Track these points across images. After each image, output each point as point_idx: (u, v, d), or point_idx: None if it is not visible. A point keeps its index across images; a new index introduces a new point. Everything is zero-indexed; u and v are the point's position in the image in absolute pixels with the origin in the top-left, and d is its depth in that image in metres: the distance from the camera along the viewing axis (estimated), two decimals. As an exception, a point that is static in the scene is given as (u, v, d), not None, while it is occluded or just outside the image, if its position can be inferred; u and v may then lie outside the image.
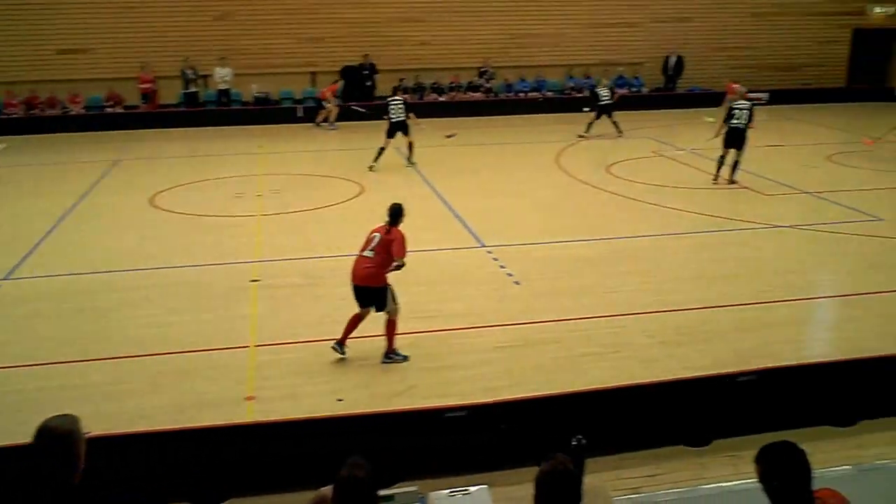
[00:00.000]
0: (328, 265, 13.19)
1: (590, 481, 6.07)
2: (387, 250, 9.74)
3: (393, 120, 20.91)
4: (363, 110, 26.94)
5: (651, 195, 17.57)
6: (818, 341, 10.83)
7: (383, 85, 28.56)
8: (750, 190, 18.19)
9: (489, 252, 13.91)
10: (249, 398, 9.05)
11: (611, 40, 31.09)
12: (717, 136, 19.05)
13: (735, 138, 18.56)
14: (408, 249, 9.79)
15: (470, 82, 30.16)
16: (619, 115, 25.27)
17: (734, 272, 12.93)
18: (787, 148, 22.70)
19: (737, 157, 18.63)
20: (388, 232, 9.86)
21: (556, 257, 13.65)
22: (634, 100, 29.95)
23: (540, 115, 29.02)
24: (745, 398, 8.59)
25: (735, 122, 18.55)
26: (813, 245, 14.48)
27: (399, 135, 20.95)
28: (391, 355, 9.95)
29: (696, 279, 12.62)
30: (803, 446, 4.51)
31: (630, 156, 21.95)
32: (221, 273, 13.10)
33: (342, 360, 9.89)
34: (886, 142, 22.06)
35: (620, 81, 30.64)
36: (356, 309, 9.98)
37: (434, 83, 29.66)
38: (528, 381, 9.26)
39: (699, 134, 24.58)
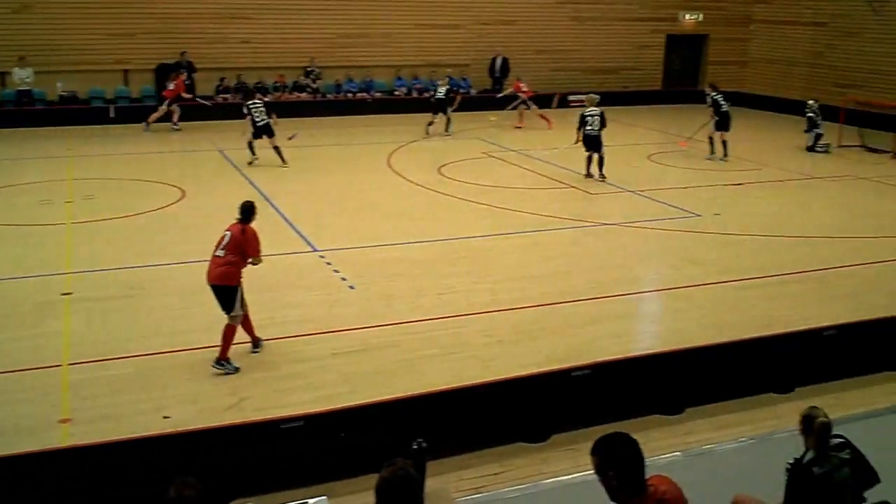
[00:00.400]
0: (149, 275, 12.69)
1: (432, 484, 6.05)
2: (239, 249, 9.68)
3: (259, 124, 20.69)
4: (209, 104, 26.13)
5: (482, 196, 17.73)
6: (646, 334, 11.16)
7: (203, 84, 27.89)
8: (577, 189, 18.62)
9: (322, 257, 13.69)
10: (64, 420, 8.49)
11: (437, 41, 31.25)
12: (577, 142, 19.72)
13: (591, 143, 19.39)
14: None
15: (295, 82, 29.69)
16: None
17: (565, 269, 13.17)
18: (610, 148, 23.22)
19: (599, 157, 19.40)
20: (242, 231, 9.78)
21: (390, 260, 13.57)
22: (463, 101, 30.24)
23: (369, 116, 28.89)
24: (580, 392, 8.73)
25: (589, 128, 19.38)
26: (638, 241, 14.93)
27: (265, 137, 20.76)
28: (222, 363, 9.58)
29: (529, 277, 12.78)
30: (635, 436, 4.61)
31: (460, 157, 22.12)
32: (28, 287, 12.21)
33: (167, 374, 9.51)
34: (698, 141, 22.97)
35: (450, 82, 30.85)
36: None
37: (258, 83, 28.98)
38: (367, 386, 9.12)
39: (528, 135, 25.12)
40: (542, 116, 27.10)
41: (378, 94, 30.54)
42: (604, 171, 19.50)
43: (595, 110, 19.59)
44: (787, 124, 28.14)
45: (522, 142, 24.42)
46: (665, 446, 8.24)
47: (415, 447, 5.93)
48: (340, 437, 7.77)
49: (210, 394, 9.07)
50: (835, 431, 5.81)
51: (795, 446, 5.88)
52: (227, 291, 9.63)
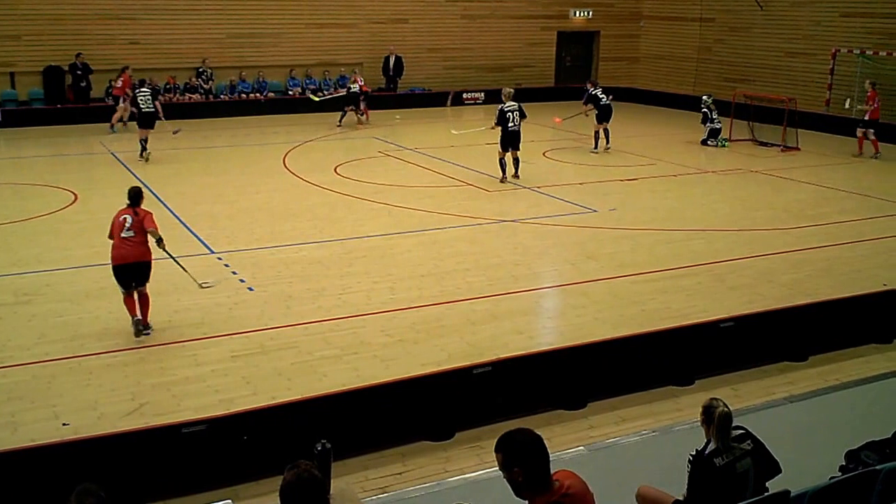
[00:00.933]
0: (43, 280, 12.32)
1: (337, 484, 5.98)
2: (142, 228, 10.38)
3: (143, 111, 20.59)
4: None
5: (379, 195, 17.66)
6: (546, 329, 11.22)
7: (94, 86, 27.20)
8: (473, 186, 18.68)
9: (219, 259, 13.44)
10: (-44, 431, 8.18)
11: (330, 41, 31.03)
12: (492, 127, 19.39)
13: (514, 140, 18.85)
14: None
15: (187, 83, 29.12)
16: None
17: (464, 267, 13.19)
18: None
19: (515, 155, 19.02)
20: (136, 213, 10.45)
21: (289, 261, 13.40)
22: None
23: (262, 116, 28.53)
24: (482, 389, 8.74)
25: (511, 125, 18.69)
26: (535, 238, 15.05)
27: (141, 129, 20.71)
28: (146, 328, 10.44)
29: (428, 276, 12.77)
30: (539, 431, 4.62)
31: (356, 156, 22.01)
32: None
33: (64, 381, 9.21)
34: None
35: (342, 81, 30.72)
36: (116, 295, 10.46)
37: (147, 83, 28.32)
38: (268, 388, 9.00)
39: (423, 133, 25.15)
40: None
41: (271, 95, 30.15)
42: (518, 172, 19.12)
43: (513, 104, 18.92)
44: (680, 119, 28.78)
45: (418, 140, 24.39)
46: (569, 441, 8.33)
47: (319, 448, 5.87)
48: (243, 440, 7.62)
49: (109, 400, 8.82)
50: (736, 423, 5.91)
51: (697, 438, 5.97)
52: (145, 266, 10.54)
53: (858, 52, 27.31)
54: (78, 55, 26.82)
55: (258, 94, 29.85)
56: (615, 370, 9.44)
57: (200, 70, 29.09)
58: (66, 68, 27.14)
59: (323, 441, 5.91)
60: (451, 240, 14.71)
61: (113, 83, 25.99)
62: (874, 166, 22.25)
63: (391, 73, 31.51)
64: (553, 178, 19.60)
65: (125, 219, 10.41)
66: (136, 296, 10.51)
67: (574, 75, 35.41)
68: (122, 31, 27.93)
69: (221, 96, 29.52)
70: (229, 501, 6.52)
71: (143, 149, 20.92)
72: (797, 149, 23.78)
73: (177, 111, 27.43)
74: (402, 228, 15.28)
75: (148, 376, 9.35)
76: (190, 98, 28.89)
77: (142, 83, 21.75)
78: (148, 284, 10.59)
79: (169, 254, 10.88)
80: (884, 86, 24.65)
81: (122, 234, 10.35)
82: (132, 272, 10.42)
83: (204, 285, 11.46)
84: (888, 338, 10.99)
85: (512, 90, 19.55)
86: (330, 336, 10.47)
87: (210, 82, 29.26)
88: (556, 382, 9.15)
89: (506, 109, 18.79)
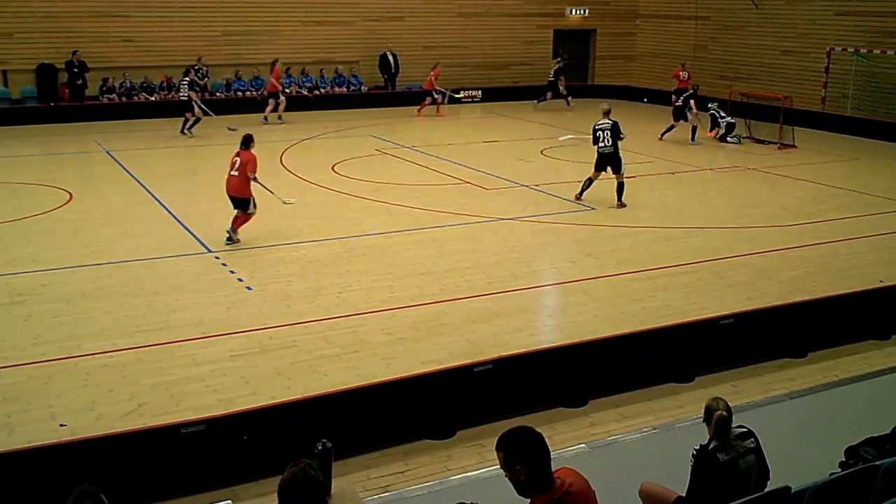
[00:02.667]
0: (38, 280, 12.25)
1: (338, 484, 5.96)
2: (243, 169, 13.59)
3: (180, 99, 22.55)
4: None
5: (377, 193, 17.63)
6: (546, 327, 11.21)
7: (89, 84, 27.17)
8: (472, 185, 18.65)
9: (217, 258, 13.40)
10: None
11: (325, 38, 30.99)
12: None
13: (605, 161, 16.78)
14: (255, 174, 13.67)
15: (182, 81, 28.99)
16: (340, 114, 25.32)
17: (463, 265, 13.17)
18: (503, 143, 23.57)
19: (618, 179, 16.82)
20: (242, 154, 13.72)
21: (287, 259, 13.37)
22: (355, 98, 30.21)
23: (259, 114, 28.40)
24: (483, 388, 8.72)
25: (602, 145, 16.65)
26: (534, 236, 15.03)
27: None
28: (231, 239, 13.79)
29: (427, 274, 12.75)
30: (540, 429, 4.60)
31: (353, 154, 21.95)
32: None
33: (60, 382, 9.16)
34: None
35: (340, 80, 30.74)
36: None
37: (143, 82, 28.31)
38: (267, 388, 8.96)
39: (420, 131, 25.14)
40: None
41: (267, 93, 30.00)
42: (623, 199, 16.75)
43: (606, 122, 16.68)
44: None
45: (416, 138, 24.37)
46: (570, 439, 8.33)
47: (319, 448, 5.83)
48: (243, 440, 7.60)
49: (107, 400, 8.76)
50: (737, 420, 5.91)
51: (698, 435, 5.98)
52: (242, 200, 13.78)
53: (853, 50, 27.35)
54: (74, 53, 26.76)
55: (255, 92, 29.77)
56: (616, 368, 9.44)
57: (196, 68, 28.99)
58: (62, 66, 27.04)
59: (324, 440, 5.87)
60: (451, 238, 14.69)
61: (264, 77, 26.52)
62: (869, 164, 22.27)
63: (392, 71, 31.44)
64: (552, 176, 19.57)
65: (235, 160, 13.79)
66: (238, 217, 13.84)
67: (570, 74, 35.38)
68: (115, 29, 27.84)
69: (217, 94, 29.43)
70: (229, 502, 6.50)
71: (186, 125, 23.33)
72: (794, 146, 23.79)
73: (171, 109, 27.47)
74: (401, 227, 15.25)
75: (146, 376, 9.30)
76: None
77: (186, 73, 23.63)
78: (255, 211, 13.95)
79: (261, 184, 13.93)
80: (879, 84, 24.70)
81: (230, 172, 13.81)
82: (232, 201, 13.87)
83: (287, 202, 14.55)
84: (886, 334, 11.02)
85: (608, 106, 17.31)
86: (329, 335, 10.44)
87: (205, 80, 29.18)
88: (557, 380, 9.14)
89: (597, 127, 16.83)
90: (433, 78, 28.79)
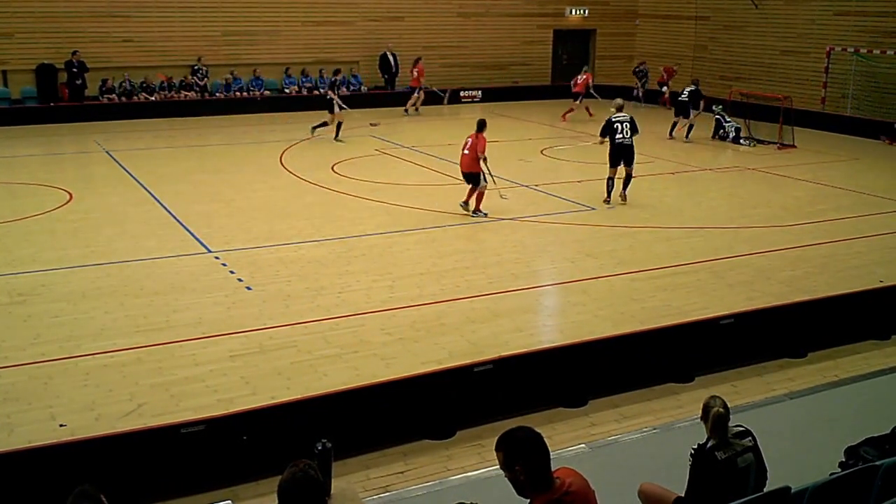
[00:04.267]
0: (38, 280, 12.24)
1: (338, 484, 5.97)
2: (474, 148, 15.57)
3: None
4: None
5: (377, 193, 17.62)
6: (546, 327, 11.21)
7: (94, 84, 27.18)
8: (471, 184, 18.62)
9: (217, 258, 13.40)
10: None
11: (326, 38, 30.99)
12: (600, 142, 17.84)
13: (624, 154, 17.02)
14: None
15: (182, 81, 29.03)
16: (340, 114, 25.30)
17: (463, 265, 13.17)
18: (503, 143, 23.49)
19: (628, 171, 17.15)
20: (476, 137, 15.63)
21: (287, 259, 13.36)
22: (355, 98, 30.20)
23: (259, 114, 28.47)
24: (483, 388, 8.73)
25: (619, 137, 16.85)
26: (534, 235, 15.04)
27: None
28: (478, 212, 15.92)
29: (427, 274, 12.75)
30: (540, 429, 4.61)
31: (353, 154, 21.95)
32: None
33: (60, 382, 9.16)
34: (590, 135, 23.28)
35: (343, 81, 30.72)
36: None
37: (142, 82, 28.30)
38: (267, 388, 8.95)
39: (420, 131, 25.13)
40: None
41: (267, 93, 30.09)
42: (627, 192, 17.26)
43: (624, 115, 17.15)
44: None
45: (416, 138, 24.36)
46: (570, 439, 8.33)
47: (319, 448, 5.84)
48: (243, 440, 7.60)
49: (107, 400, 8.76)
50: (736, 420, 5.92)
51: (698, 435, 5.98)
52: (474, 175, 15.80)
53: (853, 50, 27.35)
54: (74, 53, 26.76)
55: (255, 92, 29.80)
56: (615, 368, 9.45)
57: (196, 68, 29.02)
58: (62, 66, 27.03)
59: (323, 440, 5.88)
60: (450, 238, 14.70)
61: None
62: (869, 164, 22.27)
63: (393, 71, 31.43)
64: (551, 176, 19.58)
65: (468, 140, 15.75)
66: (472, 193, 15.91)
67: (570, 74, 35.42)
68: (115, 29, 27.81)
69: (217, 94, 29.45)
70: (229, 502, 6.49)
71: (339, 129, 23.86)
72: (793, 146, 23.79)
73: (171, 110, 27.53)
74: (401, 227, 15.25)
75: (146, 376, 9.30)
76: (185, 96, 28.83)
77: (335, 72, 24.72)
78: (486, 185, 15.88)
79: (487, 168, 15.78)
80: (879, 84, 24.71)
81: (463, 151, 15.82)
82: (464, 176, 15.94)
83: (504, 198, 16.67)
84: (886, 334, 11.03)
85: (621, 101, 17.84)
86: (329, 335, 10.44)
87: (205, 80, 29.19)
88: (557, 380, 9.15)
89: (614, 120, 17.04)
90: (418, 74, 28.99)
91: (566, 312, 11.73)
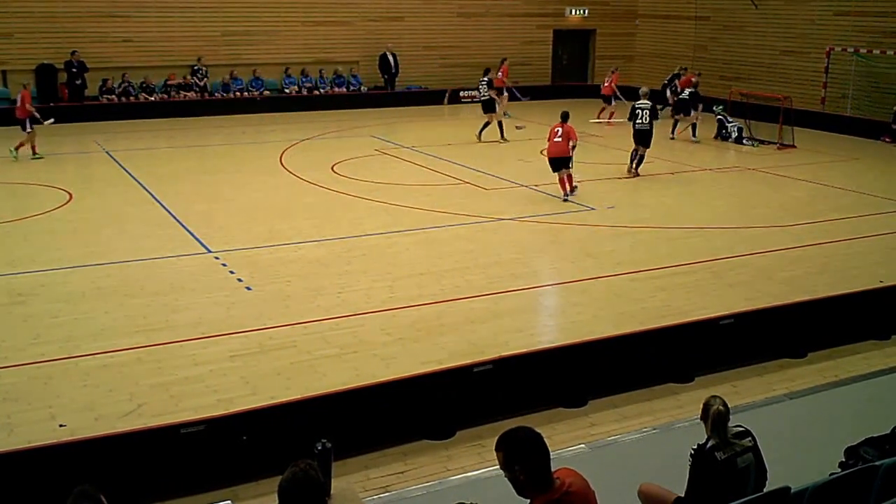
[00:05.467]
0: (38, 280, 12.25)
1: (338, 484, 5.97)
2: (567, 137, 17.11)
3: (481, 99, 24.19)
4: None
5: (377, 193, 17.62)
6: (546, 327, 11.21)
7: (93, 84, 27.17)
8: (470, 185, 18.65)
9: (217, 258, 13.39)
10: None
11: (325, 38, 30.98)
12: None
13: (642, 138, 19.72)
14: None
15: (182, 80, 29.00)
16: (340, 114, 25.34)
17: (463, 265, 13.16)
18: (502, 143, 23.55)
19: (641, 152, 19.73)
20: (563, 126, 17.25)
21: (287, 259, 13.36)
22: (354, 98, 30.26)
23: (258, 114, 28.45)
24: (483, 388, 8.72)
25: (639, 122, 19.63)
26: (533, 236, 15.04)
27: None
28: (574, 190, 17.45)
29: (427, 274, 12.74)
30: (540, 429, 4.61)
31: (353, 154, 21.94)
32: None
33: (60, 382, 9.15)
34: (590, 135, 23.34)
35: (339, 80, 30.75)
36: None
37: (142, 82, 28.28)
38: (267, 388, 8.95)
39: (420, 131, 25.13)
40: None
41: (267, 93, 30.08)
42: (640, 170, 19.79)
43: (646, 103, 19.81)
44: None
45: (416, 138, 24.36)
46: (570, 439, 8.32)
47: (319, 448, 5.84)
48: (243, 440, 7.60)
49: (106, 401, 8.76)
50: (736, 420, 5.91)
51: (698, 435, 5.96)
52: (565, 160, 17.25)
53: (853, 50, 27.34)
54: (73, 53, 26.76)
55: (255, 92, 29.79)
56: (615, 368, 9.43)
57: (195, 68, 29.02)
58: (62, 66, 27.04)
59: (323, 441, 5.89)
60: (450, 238, 14.69)
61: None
62: (869, 164, 22.27)
63: (393, 72, 31.42)
64: (551, 177, 19.50)
65: (557, 130, 17.23)
66: (563, 177, 17.25)
67: (570, 74, 35.51)
68: (115, 29, 27.83)
69: (216, 94, 29.45)
70: (229, 502, 6.49)
71: (502, 130, 23.83)
72: (793, 146, 23.78)
73: (171, 110, 27.51)
74: (401, 227, 15.24)
75: (146, 377, 9.29)
76: (185, 96, 28.83)
77: (486, 72, 24.94)
78: (570, 178, 17.36)
79: (571, 156, 17.32)
80: (879, 84, 24.71)
81: (553, 139, 17.22)
82: (555, 162, 17.24)
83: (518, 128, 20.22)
84: (886, 334, 11.01)
85: (647, 89, 20.76)
86: (329, 335, 10.43)
87: (204, 80, 29.19)
88: (557, 380, 9.14)
89: (637, 106, 19.93)
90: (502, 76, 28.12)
91: (566, 312, 11.72)
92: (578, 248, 14.25)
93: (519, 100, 28.59)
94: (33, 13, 26.81)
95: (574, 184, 17.48)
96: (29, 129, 20.58)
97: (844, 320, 10.79)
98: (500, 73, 26.94)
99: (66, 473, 6.74)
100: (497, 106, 24.01)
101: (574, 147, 17.25)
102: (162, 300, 11.49)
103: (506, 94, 27.20)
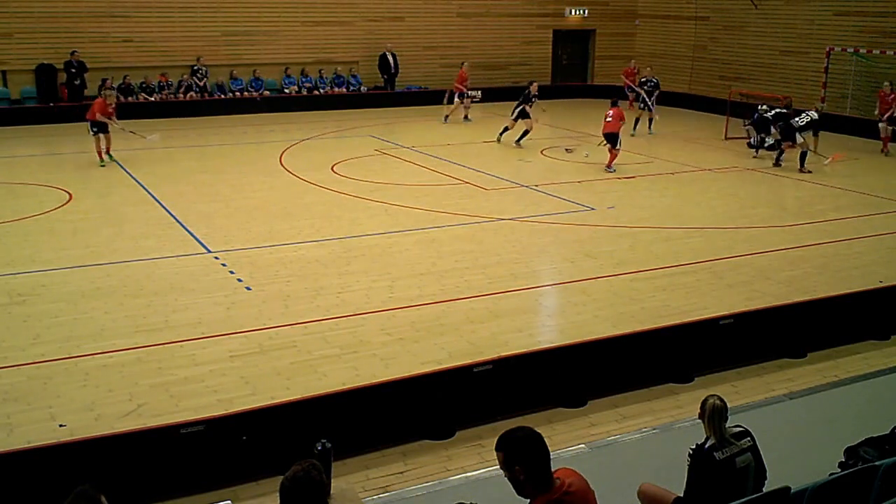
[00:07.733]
0: (38, 280, 12.24)
1: (338, 484, 5.96)
2: (618, 117, 20.14)
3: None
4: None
5: (377, 193, 17.62)
6: (546, 327, 11.19)
7: (93, 84, 27.14)
8: (471, 185, 18.65)
9: (217, 258, 13.39)
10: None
11: (325, 38, 30.99)
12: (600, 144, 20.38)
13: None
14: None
15: (181, 80, 29.00)
16: (340, 114, 25.37)
17: (463, 265, 13.16)
18: (503, 144, 23.55)
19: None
20: (615, 108, 20.29)
21: (286, 259, 13.36)
22: (353, 98, 30.26)
23: (258, 114, 28.43)
24: (483, 388, 8.72)
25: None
26: (533, 236, 15.03)
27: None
28: (610, 168, 20.22)
29: (427, 274, 12.74)
30: (540, 429, 4.63)
31: (353, 154, 21.93)
32: None
33: (60, 382, 9.15)
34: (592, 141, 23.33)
35: (339, 80, 30.76)
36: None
37: (142, 82, 28.28)
38: (267, 388, 8.96)
39: (420, 131, 25.14)
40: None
41: (267, 93, 30.08)
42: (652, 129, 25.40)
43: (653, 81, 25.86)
44: (676, 117, 28.71)
45: (416, 138, 24.36)
46: (569, 439, 8.32)
47: (319, 448, 5.83)
48: (242, 440, 7.60)
49: (106, 401, 8.75)
50: (736, 420, 5.91)
51: (697, 435, 5.96)
52: (614, 135, 20.12)
53: (852, 50, 27.35)
54: (73, 53, 26.76)
55: (255, 92, 29.79)
56: (615, 368, 9.44)
57: (195, 68, 29.01)
58: (61, 66, 27.03)
59: (323, 441, 5.87)
60: (450, 238, 14.68)
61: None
62: (869, 164, 22.27)
63: (392, 72, 31.42)
64: (551, 177, 19.58)
65: (609, 112, 20.25)
66: (614, 152, 20.25)
67: (570, 74, 35.51)
68: (115, 29, 27.83)
69: (216, 94, 29.44)
70: (229, 502, 6.50)
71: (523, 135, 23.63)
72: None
73: (171, 110, 27.51)
74: (401, 227, 15.24)
75: (145, 377, 9.29)
76: (189, 96, 28.81)
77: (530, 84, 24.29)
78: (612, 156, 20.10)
79: (618, 134, 20.24)
80: (879, 84, 24.69)
81: (606, 120, 20.26)
82: (608, 136, 20.22)
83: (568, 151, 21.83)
84: (885, 334, 11.01)
85: (650, 70, 26.42)
86: (329, 335, 10.43)
87: (204, 80, 29.18)
88: (557, 380, 9.13)
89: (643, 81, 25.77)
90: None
91: (566, 312, 11.72)
92: (578, 249, 14.24)
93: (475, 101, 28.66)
94: (33, 13, 26.81)
95: (612, 164, 20.29)
96: (93, 132, 20.29)
97: (844, 320, 10.79)
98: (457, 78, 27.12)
99: (65, 473, 6.74)
100: (529, 113, 23.63)
101: (623, 124, 20.54)
102: (162, 300, 11.49)
103: (458, 99, 27.46)
